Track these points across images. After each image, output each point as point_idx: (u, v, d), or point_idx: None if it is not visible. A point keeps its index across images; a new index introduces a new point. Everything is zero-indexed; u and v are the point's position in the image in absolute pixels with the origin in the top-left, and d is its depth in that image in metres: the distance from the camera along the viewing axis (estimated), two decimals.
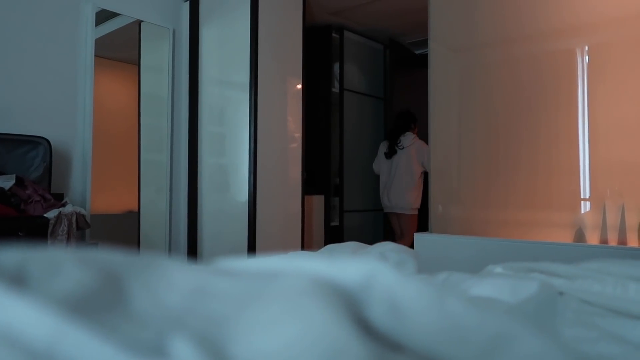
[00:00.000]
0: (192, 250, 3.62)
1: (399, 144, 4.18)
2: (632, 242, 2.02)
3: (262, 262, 0.44)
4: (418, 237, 2.55)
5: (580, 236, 2.16)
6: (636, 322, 0.56)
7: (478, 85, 2.74)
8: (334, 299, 0.35)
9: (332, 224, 4.37)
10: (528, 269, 0.76)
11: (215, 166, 3.57)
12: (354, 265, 0.41)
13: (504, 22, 2.63)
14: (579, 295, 0.63)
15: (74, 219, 2.38)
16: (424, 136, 2.94)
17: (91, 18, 3.13)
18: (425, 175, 4.04)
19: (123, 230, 3.67)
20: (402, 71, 4.60)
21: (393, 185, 4.20)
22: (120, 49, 3.68)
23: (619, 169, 2.20)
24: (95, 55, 3.17)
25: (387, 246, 1.08)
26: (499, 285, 0.65)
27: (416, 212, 4.22)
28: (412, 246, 4.00)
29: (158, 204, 3.65)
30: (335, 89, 4.42)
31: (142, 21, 3.50)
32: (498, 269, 0.82)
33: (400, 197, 4.18)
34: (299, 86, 3.57)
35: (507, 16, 2.62)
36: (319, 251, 1.35)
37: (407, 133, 4.18)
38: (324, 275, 0.40)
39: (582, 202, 2.27)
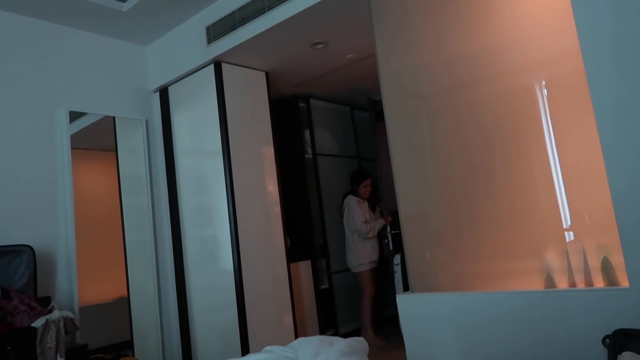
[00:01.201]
0: (184, 329, 3.63)
1: (342, 207, 4.52)
2: (597, 283, 2.10)
3: None
4: (400, 297, 2.62)
5: (550, 282, 2.24)
6: None
7: (440, 130, 2.79)
8: None
9: (322, 286, 4.41)
10: None
11: (199, 238, 3.62)
12: None
13: (458, 67, 2.67)
14: None
15: (61, 324, 2.42)
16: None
17: (65, 121, 3.27)
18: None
19: (114, 318, 3.66)
20: (380, 127, 4.77)
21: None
22: (96, 139, 3.80)
23: (577, 211, 2.28)
24: (73, 148, 3.27)
25: (341, 344, 1.15)
26: None
27: (362, 269, 4.35)
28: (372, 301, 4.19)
29: (147, 285, 3.67)
30: (309, 154, 4.57)
31: (116, 117, 3.64)
32: None
33: (347, 256, 4.44)
34: (272, 153, 3.70)
35: (461, 61, 2.67)
36: (291, 344, 1.42)
37: (348, 195, 4.47)
38: None
39: (548, 247, 2.36)
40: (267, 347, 1.37)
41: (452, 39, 2.73)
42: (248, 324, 3.30)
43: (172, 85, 3.76)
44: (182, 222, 3.70)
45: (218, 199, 3.43)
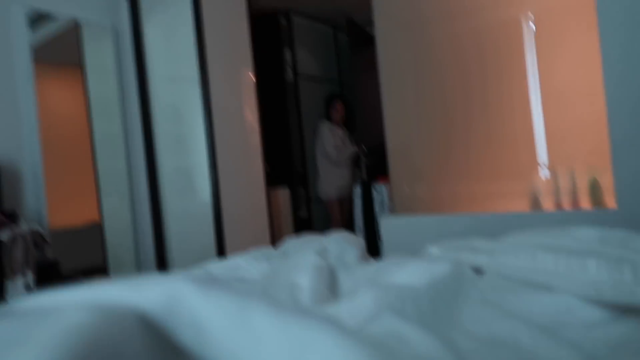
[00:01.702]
0: (161, 256, 3.57)
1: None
2: (584, 204, 2.09)
3: (66, 295, 0.40)
4: (383, 219, 2.58)
5: (536, 203, 2.23)
6: (540, 293, 0.58)
7: (427, 61, 2.76)
8: (78, 339, 0.32)
9: (300, 214, 4.37)
10: (457, 248, 0.78)
11: (176, 167, 3.50)
12: (156, 289, 0.38)
13: None
14: (498, 270, 0.65)
15: (30, 237, 2.31)
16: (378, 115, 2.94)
17: (22, 21, 2.99)
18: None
19: (87, 244, 3.58)
20: (360, 52, 4.60)
21: None
22: (61, 54, 3.54)
23: (567, 134, 2.27)
24: (35, 63, 3.03)
25: (332, 237, 1.09)
26: (417, 270, 0.67)
27: (328, 197, 4.28)
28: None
29: (121, 212, 3.56)
30: (289, 75, 4.38)
31: (80, 21, 3.36)
32: (434, 249, 0.84)
33: (316, 183, 4.37)
34: (251, 75, 3.52)
35: None
36: (280, 247, 1.36)
37: (321, 120, 4.33)
38: (125, 302, 0.37)
39: (535, 169, 2.34)
40: (254, 251, 1.30)
41: None
42: (226, 250, 3.25)
43: None
44: (158, 150, 3.54)
45: (195, 126, 3.27)
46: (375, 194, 3.72)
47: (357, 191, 3.86)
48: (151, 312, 0.36)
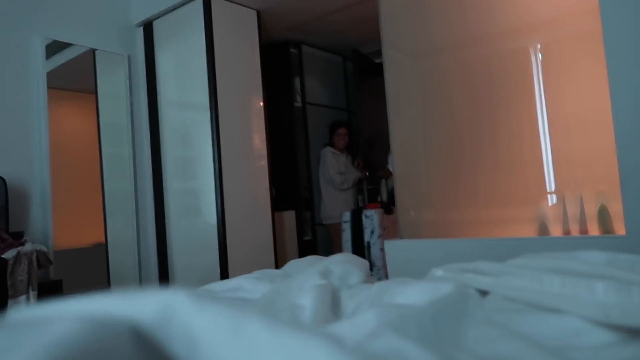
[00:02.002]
0: (164, 277, 3.55)
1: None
2: (592, 231, 2.06)
3: (60, 307, 0.39)
4: (388, 243, 2.56)
5: (543, 229, 2.20)
6: (547, 315, 0.56)
7: (436, 89, 2.79)
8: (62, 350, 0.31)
9: (305, 238, 4.35)
10: (463, 270, 0.76)
11: (182, 190, 3.52)
12: (150, 301, 0.37)
13: (456, 26, 2.68)
14: (503, 292, 0.63)
15: (34, 257, 2.31)
16: (385, 143, 2.96)
17: (41, 51, 3.07)
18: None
19: (91, 264, 3.57)
20: (365, 81, 4.66)
21: None
22: (75, 79, 3.62)
23: (577, 161, 2.26)
24: (50, 87, 3.10)
25: (336, 258, 1.08)
26: (421, 290, 0.65)
27: (332, 221, 4.26)
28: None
29: (126, 234, 3.57)
30: (298, 103, 4.43)
31: (96, 50, 3.44)
32: (439, 272, 0.82)
33: (320, 208, 4.40)
34: (261, 103, 3.57)
35: (460, 20, 2.68)
36: (283, 267, 1.34)
37: (325, 146, 4.37)
38: (119, 313, 0.37)
39: (544, 196, 2.32)
40: (256, 272, 1.29)
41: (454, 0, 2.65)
42: (230, 272, 3.23)
43: (157, 20, 3.55)
44: (165, 173, 3.56)
45: (203, 152, 3.30)
46: (365, 220, 3.68)
47: (346, 216, 3.81)
48: (144, 323, 0.35)
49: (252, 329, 0.32)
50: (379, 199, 4.05)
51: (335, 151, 4.28)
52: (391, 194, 4.12)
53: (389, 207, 3.78)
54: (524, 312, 0.58)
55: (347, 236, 3.79)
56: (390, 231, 3.71)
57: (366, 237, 3.70)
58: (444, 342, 0.50)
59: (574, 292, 0.57)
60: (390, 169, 3.92)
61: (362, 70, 4.65)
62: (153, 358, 0.34)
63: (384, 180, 4.07)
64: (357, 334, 0.51)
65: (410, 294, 0.68)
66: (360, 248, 3.68)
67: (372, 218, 3.66)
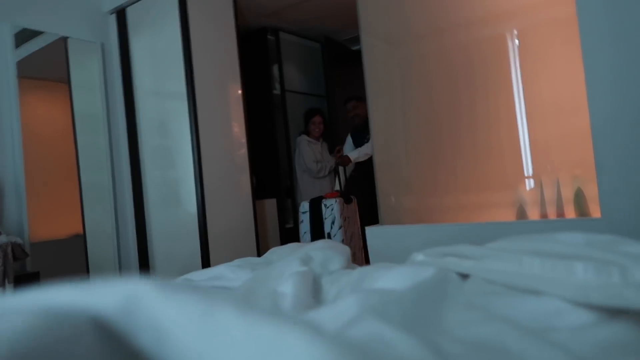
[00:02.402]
0: (144, 268, 3.51)
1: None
2: (569, 214, 2.10)
3: (14, 300, 0.38)
4: (369, 229, 2.57)
5: (521, 213, 2.23)
6: (526, 297, 0.56)
7: (415, 75, 2.79)
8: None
9: (287, 225, 4.34)
10: (444, 254, 0.76)
11: (161, 180, 3.47)
12: (113, 291, 0.35)
13: (434, 13, 2.68)
14: (483, 275, 0.63)
15: (9, 249, 2.25)
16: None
17: (10, 39, 2.97)
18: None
19: (69, 256, 3.51)
20: (340, 68, 4.64)
21: None
22: (47, 68, 3.51)
23: (553, 145, 2.29)
24: (21, 77, 3.01)
25: (316, 245, 1.07)
26: (402, 274, 0.65)
27: None
28: None
29: (104, 224, 3.51)
30: (277, 90, 4.39)
31: (68, 37, 3.35)
32: (420, 256, 0.82)
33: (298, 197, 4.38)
34: (239, 91, 3.52)
35: (437, 6, 2.67)
36: (264, 255, 1.34)
37: (300, 135, 4.31)
38: (78, 305, 0.35)
39: (522, 180, 2.35)
40: (237, 260, 1.28)
41: None
42: (211, 261, 3.21)
43: (131, 7, 3.46)
44: (143, 163, 3.50)
45: (181, 141, 3.25)
46: (325, 210, 3.52)
47: (304, 206, 3.61)
48: (106, 314, 0.34)
49: (223, 317, 0.31)
50: (337, 188, 3.90)
51: (310, 139, 4.25)
52: (348, 182, 4.02)
53: (348, 196, 3.62)
54: (503, 294, 0.58)
55: (305, 227, 3.59)
56: (351, 221, 3.57)
57: (326, 229, 3.51)
58: (425, 327, 0.50)
59: (554, 273, 0.57)
60: (351, 156, 3.82)
61: (336, 58, 4.64)
62: (118, 350, 0.32)
63: (341, 168, 3.95)
64: (338, 320, 0.51)
65: (391, 279, 0.67)
66: (319, 238, 3.49)
67: (332, 208, 3.49)
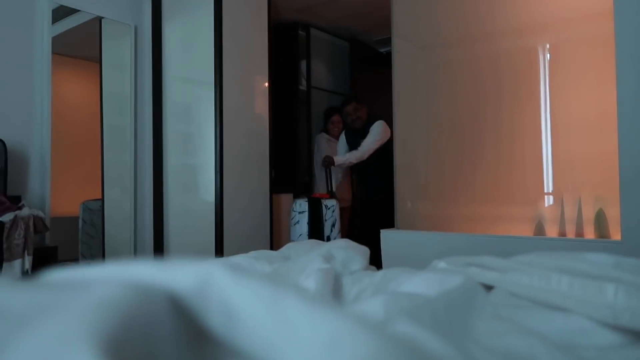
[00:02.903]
0: (158, 251, 3.56)
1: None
2: (588, 234, 2.08)
3: (96, 271, 0.39)
4: (384, 233, 2.57)
5: (540, 229, 2.22)
6: (554, 313, 0.57)
7: (442, 82, 2.78)
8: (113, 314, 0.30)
9: None
10: (467, 263, 0.77)
11: (181, 165, 3.51)
12: (187, 271, 0.37)
13: (467, 20, 2.67)
14: (508, 288, 0.64)
15: (31, 222, 2.30)
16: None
17: (47, 15, 3.03)
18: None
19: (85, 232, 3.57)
20: (365, 69, 4.63)
21: None
22: (80, 47, 3.57)
23: (577, 164, 2.27)
24: (54, 53, 3.06)
25: (337, 243, 1.08)
26: (427, 280, 0.66)
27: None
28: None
29: (123, 204, 3.56)
30: (303, 86, 4.41)
31: (103, 18, 3.40)
32: (442, 264, 0.83)
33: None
34: (266, 84, 3.54)
35: (471, 14, 2.66)
36: (280, 249, 1.35)
37: (320, 133, 4.30)
38: (156, 281, 0.36)
39: (542, 196, 2.33)
40: (254, 252, 1.29)
41: None
42: (225, 250, 3.24)
43: None
44: (165, 148, 3.55)
45: (205, 128, 3.28)
46: (325, 212, 3.32)
47: (301, 205, 3.37)
48: (182, 293, 0.35)
49: (290, 305, 0.33)
50: (328, 189, 3.65)
51: (330, 138, 4.25)
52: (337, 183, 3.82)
53: (336, 197, 3.45)
54: (530, 309, 0.59)
55: (301, 229, 3.28)
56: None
57: (326, 232, 3.27)
58: (456, 334, 0.51)
59: (583, 292, 0.58)
60: (338, 160, 3.53)
61: (361, 58, 4.63)
62: (188, 328, 0.34)
63: (328, 170, 3.71)
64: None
65: (417, 284, 0.68)
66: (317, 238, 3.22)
67: (333, 210, 3.29)
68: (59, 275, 0.39)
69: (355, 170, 3.85)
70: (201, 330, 0.34)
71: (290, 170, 4.37)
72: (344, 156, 3.56)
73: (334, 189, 3.60)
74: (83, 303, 0.28)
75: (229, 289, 0.34)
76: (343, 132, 3.85)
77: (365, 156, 3.50)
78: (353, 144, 3.69)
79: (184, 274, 0.36)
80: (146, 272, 0.36)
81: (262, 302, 0.33)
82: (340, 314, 0.32)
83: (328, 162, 3.54)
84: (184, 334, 0.34)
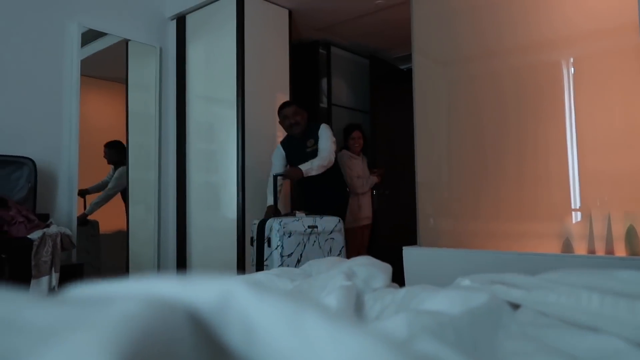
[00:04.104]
0: (182, 268, 3.58)
1: None
2: (619, 252, 2.02)
3: (119, 287, 0.39)
4: (407, 250, 2.54)
5: (567, 246, 2.16)
6: (584, 333, 0.55)
7: (464, 98, 2.76)
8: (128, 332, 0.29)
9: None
10: (492, 281, 0.75)
11: (204, 184, 3.55)
12: (208, 287, 0.37)
13: (488, 35, 2.66)
14: (535, 307, 0.62)
15: (58, 239, 2.35)
16: (407, 150, 2.92)
17: (77, 38, 3.13)
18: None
19: (112, 250, 3.63)
20: (385, 86, 4.64)
21: None
22: (107, 68, 3.68)
23: (605, 179, 2.21)
24: (82, 75, 3.16)
25: (359, 260, 1.07)
26: (451, 298, 0.65)
27: (349, 226, 3.91)
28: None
29: (147, 222, 3.61)
30: (324, 104, 4.43)
31: (129, 40, 3.50)
32: (466, 282, 0.81)
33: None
34: None
35: (491, 29, 2.65)
36: (302, 267, 1.34)
37: (342, 150, 4.16)
38: (177, 297, 0.36)
39: (569, 212, 2.28)
40: (275, 269, 1.29)
41: (487, 9, 2.63)
42: (246, 269, 3.24)
43: (190, 14, 3.60)
44: (188, 166, 3.60)
45: (227, 146, 3.33)
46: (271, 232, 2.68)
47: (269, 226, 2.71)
48: (202, 309, 0.35)
49: (311, 322, 0.32)
50: (270, 203, 3.14)
51: (352, 155, 4.25)
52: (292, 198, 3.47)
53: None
54: (559, 328, 0.57)
55: (276, 258, 2.66)
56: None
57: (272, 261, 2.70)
58: (481, 353, 0.49)
59: (614, 311, 0.56)
60: (303, 169, 3.02)
61: (381, 75, 4.64)
62: (208, 345, 0.34)
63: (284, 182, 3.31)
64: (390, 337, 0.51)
65: (440, 301, 0.67)
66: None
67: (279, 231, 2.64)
68: (81, 292, 0.40)
69: (301, 184, 3.34)
70: (222, 346, 0.34)
71: None
72: (309, 164, 3.07)
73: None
74: (104, 319, 0.29)
75: (250, 306, 0.34)
76: (280, 144, 3.35)
77: (333, 158, 3.17)
78: (295, 153, 3.23)
79: (204, 291, 0.36)
80: (167, 288, 0.37)
81: (282, 319, 0.33)
82: (363, 331, 0.32)
83: (295, 174, 3.03)
84: (204, 350, 0.34)
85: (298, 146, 3.26)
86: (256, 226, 2.79)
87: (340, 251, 2.84)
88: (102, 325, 0.28)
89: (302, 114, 3.24)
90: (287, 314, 0.33)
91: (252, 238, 2.83)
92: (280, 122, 3.29)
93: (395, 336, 0.51)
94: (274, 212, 2.92)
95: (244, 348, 0.33)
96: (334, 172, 3.33)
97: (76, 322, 0.29)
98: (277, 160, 3.29)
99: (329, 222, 2.82)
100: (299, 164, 3.06)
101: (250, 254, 2.84)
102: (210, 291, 0.36)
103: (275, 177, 3.01)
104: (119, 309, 0.30)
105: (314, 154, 3.19)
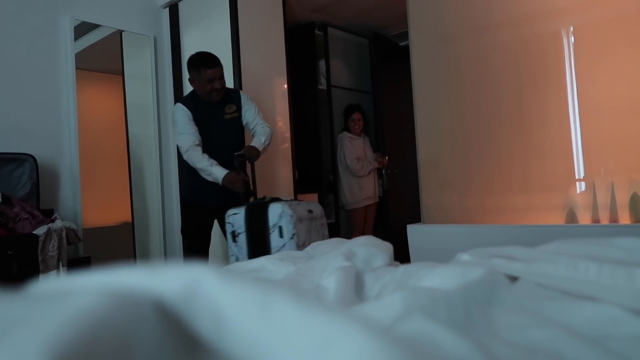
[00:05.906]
0: (188, 260, 3.60)
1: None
2: (623, 219, 2.01)
3: (83, 280, 0.38)
4: (411, 228, 2.54)
5: (572, 217, 2.15)
6: (582, 303, 0.54)
7: (463, 72, 2.72)
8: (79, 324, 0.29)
9: (329, 221, 4.34)
10: (491, 255, 0.74)
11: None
12: (175, 276, 0.36)
13: (485, 8, 2.61)
14: (534, 279, 0.61)
15: (63, 234, 2.36)
16: (414, 128, 2.90)
17: (70, 31, 3.10)
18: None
19: (118, 242, 3.65)
20: (387, 64, 4.59)
21: None
22: (103, 61, 3.65)
23: (608, 148, 2.19)
24: (77, 68, 3.14)
25: (359, 241, 1.07)
26: (448, 273, 0.64)
27: (352, 207, 4.22)
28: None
29: (151, 214, 3.63)
30: (322, 85, 4.40)
31: (123, 31, 3.46)
32: (466, 256, 0.81)
33: (340, 193, 4.32)
34: (285, 86, 3.55)
35: (488, 1, 2.60)
36: (305, 249, 1.34)
37: (342, 132, 4.24)
38: (142, 288, 0.35)
39: (573, 183, 2.26)
40: (278, 253, 1.29)
41: None
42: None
43: (183, 1, 3.55)
44: None
45: None
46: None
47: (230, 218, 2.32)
48: (168, 298, 0.35)
49: (281, 307, 0.32)
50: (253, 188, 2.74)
51: (352, 136, 4.22)
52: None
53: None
54: (556, 299, 0.56)
55: (239, 252, 2.27)
56: None
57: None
58: (474, 328, 0.49)
59: (612, 279, 0.55)
60: (258, 147, 2.64)
61: (384, 54, 4.59)
62: (176, 334, 0.33)
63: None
64: (382, 317, 0.50)
65: (437, 278, 0.66)
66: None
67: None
68: (46, 286, 0.39)
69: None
70: (191, 336, 0.34)
71: (314, 170, 4.37)
72: (258, 140, 2.67)
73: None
74: (58, 314, 0.28)
75: (217, 293, 0.33)
76: (181, 104, 2.73)
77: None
78: (205, 119, 2.65)
79: (170, 280, 0.35)
80: (133, 279, 0.36)
81: (250, 305, 0.32)
82: (333, 314, 0.31)
83: (255, 154, 2.64)
84: (172, 340, 0.33)
85: (212, 110, 2.65)
86: (242, 216, 2.27)
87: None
88: (48, 321, 0.27)
89: (224, 78, 2.67)
90: (255, 300, 0.33)
91: (233, 232, 2.30)
92: (196, 83, 2.63)
93: (379, 316, 0.51)
94: (244, 189, 2.46)
95: (214, 337, 0.33)
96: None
97: (22, 319, 0.28)
98: (190, 127, 2.59)
99: (316, 206, 2.49)
100: (214, 132, 2.58)
101: (230, 252, 2.32)
102: (176, 280, 0.35)
103: (237, 156, 2.53)
104: (73, 303, 0.30)
105: (233, 122, 2.70)
